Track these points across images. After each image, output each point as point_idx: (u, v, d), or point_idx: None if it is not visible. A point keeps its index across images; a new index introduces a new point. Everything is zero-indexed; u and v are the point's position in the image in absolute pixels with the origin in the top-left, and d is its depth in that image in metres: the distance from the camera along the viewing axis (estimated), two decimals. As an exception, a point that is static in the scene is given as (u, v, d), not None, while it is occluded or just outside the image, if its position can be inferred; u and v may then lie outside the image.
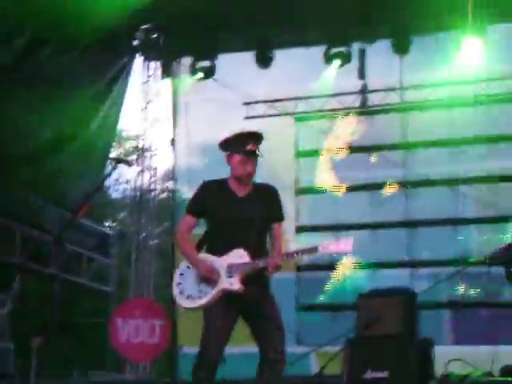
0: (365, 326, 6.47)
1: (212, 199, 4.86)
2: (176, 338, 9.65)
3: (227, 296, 4.69)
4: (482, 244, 8.59)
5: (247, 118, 9.69)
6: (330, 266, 9.14)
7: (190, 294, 4.77)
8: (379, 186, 9.21)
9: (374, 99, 9.40)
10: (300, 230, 9.44)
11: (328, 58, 9.18)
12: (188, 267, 4.83)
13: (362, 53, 9.12)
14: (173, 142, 10.25)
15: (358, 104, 9.45)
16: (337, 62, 9.17)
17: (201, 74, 9.63)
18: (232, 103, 9.46)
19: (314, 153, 9.54)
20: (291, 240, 9.51)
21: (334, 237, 9.07)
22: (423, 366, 6.00)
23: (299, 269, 9.33)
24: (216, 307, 4.69)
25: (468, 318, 8.75)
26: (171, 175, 10.83)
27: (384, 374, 5.98)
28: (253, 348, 4.93)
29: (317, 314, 9.16)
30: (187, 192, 9.83)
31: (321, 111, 9.62)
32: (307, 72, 9.46)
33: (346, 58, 9.15)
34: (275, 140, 9.62)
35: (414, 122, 9.32)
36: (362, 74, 9.19)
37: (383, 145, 9.37)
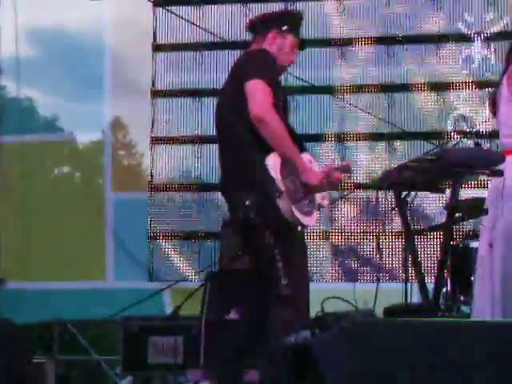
0: (230, 258, 6.71)
1: (277, 73, 4.78)
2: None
3: None
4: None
5: (92, -1, 9.49)
6: (193, 186, 9.33)
7: (303, 207, 4.49)
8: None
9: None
10: (155, 141, 9.36)
11: None
12: (283, 165, 4.45)
13: None
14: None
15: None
16: None
17: None
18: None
19: (177, 47, 9.51)
20: (146, 154, 9.52)
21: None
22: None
23: (153, 188, 9.34)
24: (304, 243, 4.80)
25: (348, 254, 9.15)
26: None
27: (251, 315, 6.28)
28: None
29: (173, 244, 9.25)
30: (15, 89, 9.64)
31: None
32: None
33: None
34: (128, 29, 9.57)
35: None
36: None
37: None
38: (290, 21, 4.88)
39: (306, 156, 4.69)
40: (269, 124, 4.44)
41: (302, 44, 5.00)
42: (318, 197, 4.66)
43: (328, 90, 9.14)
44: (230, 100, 4.76)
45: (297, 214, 4.40)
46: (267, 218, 4.41)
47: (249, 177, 4.51)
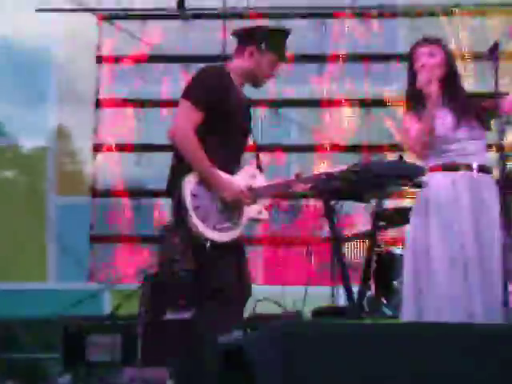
0: (168, 260, 6.67)
1: (225, 90, 4.56)
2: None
3: None
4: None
5: (39, 10, 9.39)
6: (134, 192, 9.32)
7: (216, 224, 4.40)
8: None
9: (193, 2, 9.45)
10: (98, 148, 9.36)
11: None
12: (198, 184, 4.41)
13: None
14: None
15: (174, 6, 9.44)
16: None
17: None
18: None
19: (120, 59, 9.49)
20: (87, 161, 9.52)
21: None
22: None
23: (95, 193, 9.30)
24: (233, 251, 4.55)
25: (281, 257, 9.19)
26: None
27: (186, 316, 6.24)
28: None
29: (113, 246, 9.23)
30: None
31: (130, 10, 9.54)
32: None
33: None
34: (73, 41, 9.51)
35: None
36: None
37: (199, 55, 9.48)
38: (271, 39, 4.69)
39: (247, 171, 4.65)
40: (179, 144, 4.47)
41: (284, 59, 4.89)
42: (253, 211, 4.56)
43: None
44: None
45: (205, 230, 4.36)
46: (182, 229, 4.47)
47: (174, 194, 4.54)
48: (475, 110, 4.85)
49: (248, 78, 4.77)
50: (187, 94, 4.55)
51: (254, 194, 4.53)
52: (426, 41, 4.99)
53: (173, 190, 4.53)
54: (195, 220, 4.35)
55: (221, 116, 4.49)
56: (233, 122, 4.58)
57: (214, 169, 4.42)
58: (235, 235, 4.52)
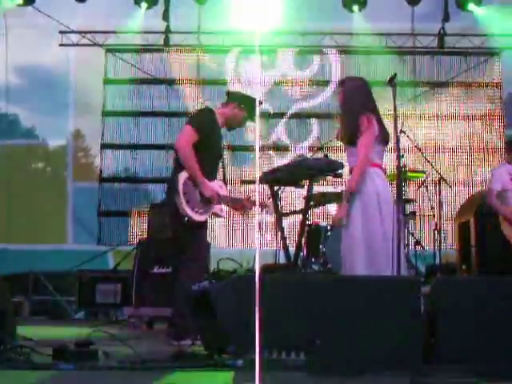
0: (155, 230, 6.66)
1: (213, 125, 4.85)
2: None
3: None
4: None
5: (62, 45, 9.33)
6: (130, 179, 9.29)
7: (194, 207, 4.62)
8: (174, 113, 9.33)
9: (176, 39, 9.41)
10: (104, 146, 9.38)
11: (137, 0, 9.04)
12: (188, 179, 4.63)
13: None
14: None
15: (162, 42, 9.38)
16: (144, 4, 9.04)
17: (20, 0, 9.06)
18: (49, 30, 9.03)
19: (120, 81, 9.46)
20: (96, 156, 9.56)
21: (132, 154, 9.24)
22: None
23: (102, 179, 9.30)
24: (204, 226, 4.76)
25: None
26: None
27: (167, 270, 6.26)
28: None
29: (115, 219, 9.24)
30: (5, 107, 9.45)
31: (128, 45, 9.46)
32: (119, 9, 9.24)
33: (152, 1, 9.05)
34: (86, 67, 9.45)
35: (208, 62, 9.52)
36: (166, 17, 9.13)
37: (179, 79, 9.45)
38: (248, 104, 5.02)
39: (217, 182, 4.88)
40: (181, 154, 4.71)
41: (252, 119, 5.14)
42: (217, 208, 4.81)
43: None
44: None
45: (187, 210, 4.57)
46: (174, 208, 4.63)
47: (171, 182, 4.77)
48: None
49: (226, 123, 5.04)
50: (190, 121, 4.83)
51: (219, 198, 4.79)
52: None
53: (172, 180, 4.75)
54: (182, 200, 4.56)
55: (207, 142, 4.75)
56: (214, 147, 4.87)
57: (200, 172, 4.67)
58: (205, 219, 4.73)
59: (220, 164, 5.00)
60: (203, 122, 4.80)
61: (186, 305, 4.29)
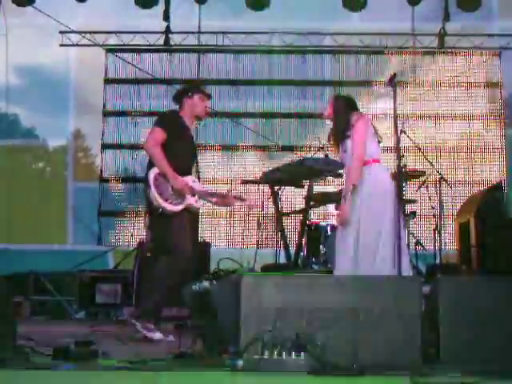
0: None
1: (179, 124, 4.99)
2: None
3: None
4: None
5: (62, 45, 9.33)
6: (130, 179, 9.28)
7: (168, 199, 4.79)
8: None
9: (176, 39, 9.40)
10: (104, 146, 9.38)
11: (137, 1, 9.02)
12: (159, 175, 4.81)
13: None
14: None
15: (162, 42, 9.37)
16: (144, 4, 9.02)
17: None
18: (49, 30, 9.03)
19: (120, 81, 9.46)
20: (96, 156, 9.57)
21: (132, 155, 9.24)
22: (202, 264, 6.33)
23: (102, 179, 9.30)
24: (181, 216, 4.84)
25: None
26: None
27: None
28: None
29: (115, 220, 9.24)
30: (4, 107, 9.45)
31: (129, 45, 9.47)
32: (119, 9, 9.25)
33: (152, 1, 9.03)
34: (87, 67, 9.45)
35: (207, 62, 9.52)
36: (166, 17, 9.12)
37: (179, 79, 9.44)
38: (194, 88, 5.15)
39: (190, 177, 5.01)
40: (149, 154, 4.90)
41: (208, 95, 5.19)
42: (192, 199, 4.92)
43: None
44: None
45: (160, 201, 4.75)
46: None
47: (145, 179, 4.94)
48: None
49: (191, 116, 5.12)
50: (156, 123, 5.00)
51: (191, 190, 4.90)
52: None
53: (145, 176, 4.91)
54: (154, 192, 4.75)
55: (177, 140, 4.91)
56: (185, 145, 5.01)
57: (168, 167, 4.82)
58: (180, 209, 4.84)
59: (194, 163, 5.16)
60: (169, 121, 5.00)
61: (158, 292, 4.65)
